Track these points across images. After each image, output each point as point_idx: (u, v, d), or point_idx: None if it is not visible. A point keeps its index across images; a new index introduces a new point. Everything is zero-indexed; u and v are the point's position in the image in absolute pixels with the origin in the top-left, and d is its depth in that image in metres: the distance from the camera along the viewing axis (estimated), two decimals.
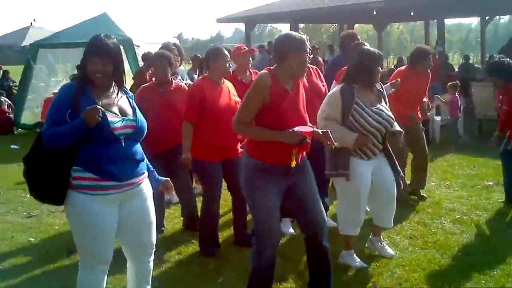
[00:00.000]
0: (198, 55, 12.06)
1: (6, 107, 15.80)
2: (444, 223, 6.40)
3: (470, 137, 11.85)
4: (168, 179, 4.07)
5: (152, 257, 3.98)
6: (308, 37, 4.31)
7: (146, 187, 3.79)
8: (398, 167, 5.20)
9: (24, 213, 7.36)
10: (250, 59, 6.38)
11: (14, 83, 20.02)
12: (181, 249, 5.83)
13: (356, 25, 27.60)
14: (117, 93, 3.68)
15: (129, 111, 3.70)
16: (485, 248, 5.64)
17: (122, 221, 3.69)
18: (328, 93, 5.18)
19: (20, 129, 14.89)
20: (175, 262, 5.54)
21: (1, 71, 20.66)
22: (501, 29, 77.49)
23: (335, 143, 4.17)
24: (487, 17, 24.21)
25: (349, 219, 5.12)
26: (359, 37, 6.77)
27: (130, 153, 3.61)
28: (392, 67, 15.53)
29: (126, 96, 3.76)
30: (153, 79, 6.18)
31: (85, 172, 3.49)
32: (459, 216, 6.62)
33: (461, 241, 5.82)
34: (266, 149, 4.09)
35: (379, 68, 5.03)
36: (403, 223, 6.38)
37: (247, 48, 6.41)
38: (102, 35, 3.62)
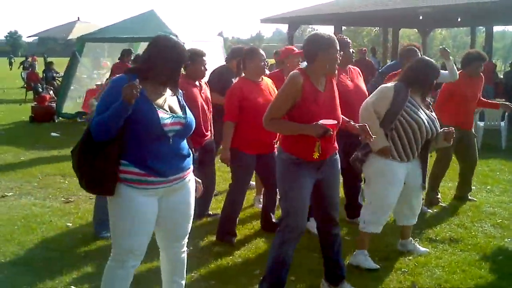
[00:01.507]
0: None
1: (48, 95, 16.20)
2: (484, 227, 6.26)
3: None
4: (200, 181, 4.05)
5: (185, 247, 3.98)
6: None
7: (190, 181, 3.83)
8: (425, 176, 5.26)
9: (63, 199, 7.45)
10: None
11: (58, 74, 20.43)
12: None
13: (401, 29, 27.31)
14: (169, 92, 3.74)
15: (178, 109, 3.72)
16: None
17: (162, 213, 3.71)
18: (382, 85, 5.21)
19: (61, 118, 15.15)
20: (213, 253, 5.54)
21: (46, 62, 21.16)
22: None
23: (373, 137, 4.34)
24: None
25: (376, 218, 5.10)
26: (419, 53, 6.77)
27: (178, 149, 3.66)
28: None
29: (176, 95, 3.80)
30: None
31: (132, 167, 3.52)
32: (500, 220, 6.47)
33: (502, 246, 5.69)
34: (297, 144, 4.20)
35: (435, 80, 5.16)
36: (443, 225, 6.26)
37: (297, 50, 6.51)
38: (176, 39, 3.69)
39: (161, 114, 3.55)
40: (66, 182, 8.32)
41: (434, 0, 18.07)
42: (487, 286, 4.78)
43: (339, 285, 4.58)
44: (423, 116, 4.97)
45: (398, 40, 25.49)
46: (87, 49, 15.47)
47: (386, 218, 5.18)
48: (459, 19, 20.37)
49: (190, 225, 3.93)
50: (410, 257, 5.36)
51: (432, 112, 5.18)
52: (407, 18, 20.38)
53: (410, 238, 5.51)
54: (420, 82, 5.06)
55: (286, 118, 4.21)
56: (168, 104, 3.67)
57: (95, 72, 16.69)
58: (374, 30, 46.30)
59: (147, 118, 3.47)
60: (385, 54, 27.54)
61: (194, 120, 3.80)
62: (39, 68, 21.99)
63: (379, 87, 5.18)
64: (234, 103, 5.64)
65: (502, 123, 11.56)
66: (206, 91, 6.20)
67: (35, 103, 16.06)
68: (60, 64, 22.14)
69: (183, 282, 4.03)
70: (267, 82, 5.85)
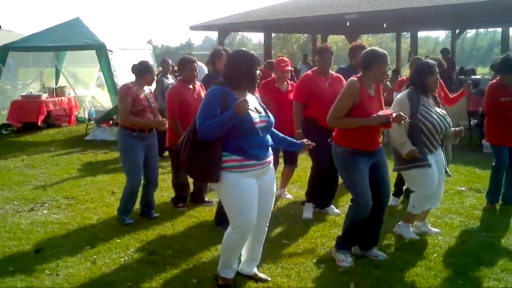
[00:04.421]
0: (166, 58, 11.98)
1: None
2: None
3: None
4: (307, 140, 5.04)
5: (267, 221, 4.85)
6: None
7: (272, 167, 4.77)
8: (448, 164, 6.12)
9: None
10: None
11: None
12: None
13: (329, 36, 27.69)
14: (251, 95, 4.65)
15: (261, 109, 4.63)
16: (460, 250, 5.64)
17: (259, 191, 4.55)
18: (397, 97, 5.96)
19: None
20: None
21: None
22: (467, 43, 78.95)
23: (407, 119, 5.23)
24: (457, 31, 24.55)
25: (428, 199, 5.89)
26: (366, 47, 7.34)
27: (265, 141, 4.58)
28: None
29: (255, 97, 4.72)
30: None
31: (233, 155, 4.41)
32: (433, 219, 6.61)
33: (436, 243, 5.80)
34: (353, 138, 5.11)
35: (432, 77, 5.74)
36: None
37: (287, 63, 7.40)
38: (246, 51, 4.72)
39: (252, 114, 4.47)
40: None
41: (360, 6, 18.45)
42: (424, 283, 4.87)
43: (369, 250, 5.44)
44: (435, 115, 5.69)
45: None
46: (11, 58, 14.92)
47: (431, 201, 5.95)
48: (384, 25, 20.87)
49: (273, 203, 4.85)
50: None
51: (442, 108, 5.89)
52: (335, 24, 20.72)
53: (425, 221, 6.21)
54: (420, 84, 5.74)
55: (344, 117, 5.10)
56: (254, 106, 4.56)
57: (20, 83, 16.11)
58: (303, 36, 46.87)
59: (243, 119, 4.35)
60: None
61: (273, 118, 4.70)
62: None
63: (395, 99, 5.91)
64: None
65: None
66: (201, 92, 7.03)
67: None
68: None
69: (260, 250, 4.92)
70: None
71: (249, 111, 4.41)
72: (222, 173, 4.41)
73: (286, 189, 7.98)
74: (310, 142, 5.00)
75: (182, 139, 4.58)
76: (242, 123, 4.37)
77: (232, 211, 4.54)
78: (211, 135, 4.36)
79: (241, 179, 4.43)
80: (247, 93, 4.59)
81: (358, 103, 5.05)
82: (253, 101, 4.60)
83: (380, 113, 4.99)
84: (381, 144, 5.28)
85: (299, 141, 5.04)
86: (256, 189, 4.53)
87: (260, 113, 4.59)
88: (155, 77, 6.86)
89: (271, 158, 4.68)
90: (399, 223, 6.10)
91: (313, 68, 7.04)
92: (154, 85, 9.45)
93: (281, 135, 4.97)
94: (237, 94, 4.48)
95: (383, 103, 5.36)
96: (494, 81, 7.36)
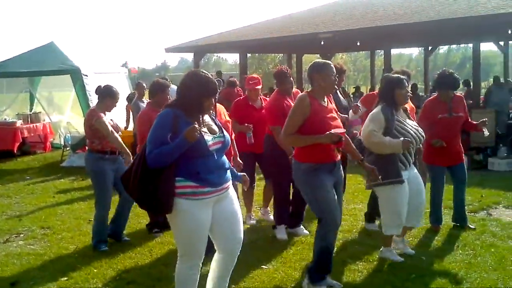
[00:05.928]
0: (140, 81, 12.01)
1: None
2: (400, 246, 6.35)
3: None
4: (245, 174, 4.83)
5: (239, 250, 4.48)
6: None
7: (232, 191, 4.46)
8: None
9: None
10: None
11: None
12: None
13: (304, 55, 27.82)
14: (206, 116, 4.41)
15: (216, 129, 4.39)
16: (438, 269, 5.67)
17: (216, 219, 4.30)
18: (371, 112, 5.86)
19: None
20: None
21: None
22: (440, 58, 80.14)
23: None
24: (430, 47, 24.87)
25: (394, 222, 5.81)
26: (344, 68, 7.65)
27: (221, 163, 4.32)
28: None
29: (210, 117, 4.48)
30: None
31: (187, 181, 4.12)
32: (410, 239, 6.65)
33: (415, 263, 5.83)
34: (315, 153, 4.97)
35: (400, 90, 5.73)
36: (357, 246, 6.36)
37: (256, 81, 7.40)
38: (207, 75, 4.29)
39: (206, 137, 4.19)
40: None
41: (334, 25, 18.60)
42: None
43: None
44: (410, 129, 5.71)
45: (301, 66, 25.97)
46: None
47: (403, 219, 5.82)
48: (358, 43, 21.07)
49: (241, 230, 4.47)
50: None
51: (413, 120, 5.96)
52: (310, 43, 20.83)
53: (403, 238, 6.24)
54: (390, 98, 5.74)
55: (297, 133, 5.00)
56: (208, 126, 4.33)
57: None
58: (278, 56, 47.04)
59: (196, 142, 4.06)
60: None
61: (229, 138, 4.52)
62: None
63: (370, 115, 5.80)
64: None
65: None
66: None
67: None
68: None
69: (228, 279, 4.57)
70: (219, 108, 6.45)
71: (202, 133, 4.16)
72: (174, 200, 4.10)
73: (252, 214, 7.90)
74: (247, 179, 4.78)
75: (131, 167, 4.26)
76: (195, 147, 4.08)
77: (181, 241, 4.32)
78: (161, 163, 4.07)
79: (194, 209, 4.13)
80: (200, 116, 4.32)
81: (311, 117, 4.94)
82: (207, 120, 4.39)
83: (333, 131, 4.85)
84: (339, 159, 5.15)
85: (238, 174, 4.74)
86: (209, 221, 4.25)
87: (215, 133, 4.33)
88: (115, 104, 6.82)
89: (229, 183, 4.39)
90: (381, 248, 6.04)
91: (275, 90, 7.08)
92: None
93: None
94: (189, 117, 4.20)
95: (336, 114, 5.27)
96: (431, 97, 7.32)
